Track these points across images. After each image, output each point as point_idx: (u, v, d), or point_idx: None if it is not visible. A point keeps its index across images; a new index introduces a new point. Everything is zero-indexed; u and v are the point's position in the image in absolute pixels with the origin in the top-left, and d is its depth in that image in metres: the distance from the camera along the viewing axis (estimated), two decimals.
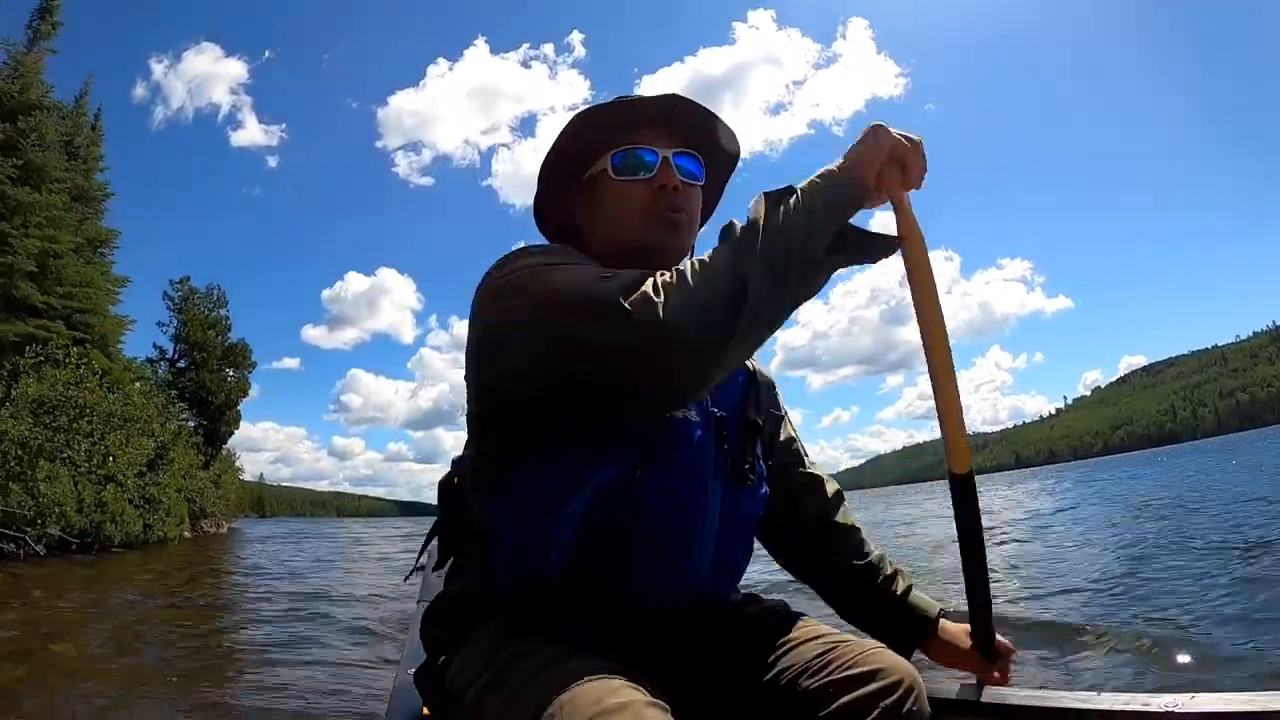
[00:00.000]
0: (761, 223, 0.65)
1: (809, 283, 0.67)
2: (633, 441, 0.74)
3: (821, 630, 0.86)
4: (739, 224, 0.67)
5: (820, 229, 0.66)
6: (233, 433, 29.62)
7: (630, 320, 0.63)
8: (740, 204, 0.70)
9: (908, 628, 0.97)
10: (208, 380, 27.20)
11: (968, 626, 0.92)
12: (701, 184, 0.88)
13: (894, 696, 0.75)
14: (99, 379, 14.38)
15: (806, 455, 1.05)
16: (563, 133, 0.87)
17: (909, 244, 0.76)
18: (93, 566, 10.21)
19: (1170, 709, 0.79)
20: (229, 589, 8.07)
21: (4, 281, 14.32)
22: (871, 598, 0.99)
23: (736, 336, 0.63)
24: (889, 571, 1.00)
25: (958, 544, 0.85)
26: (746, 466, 0.85)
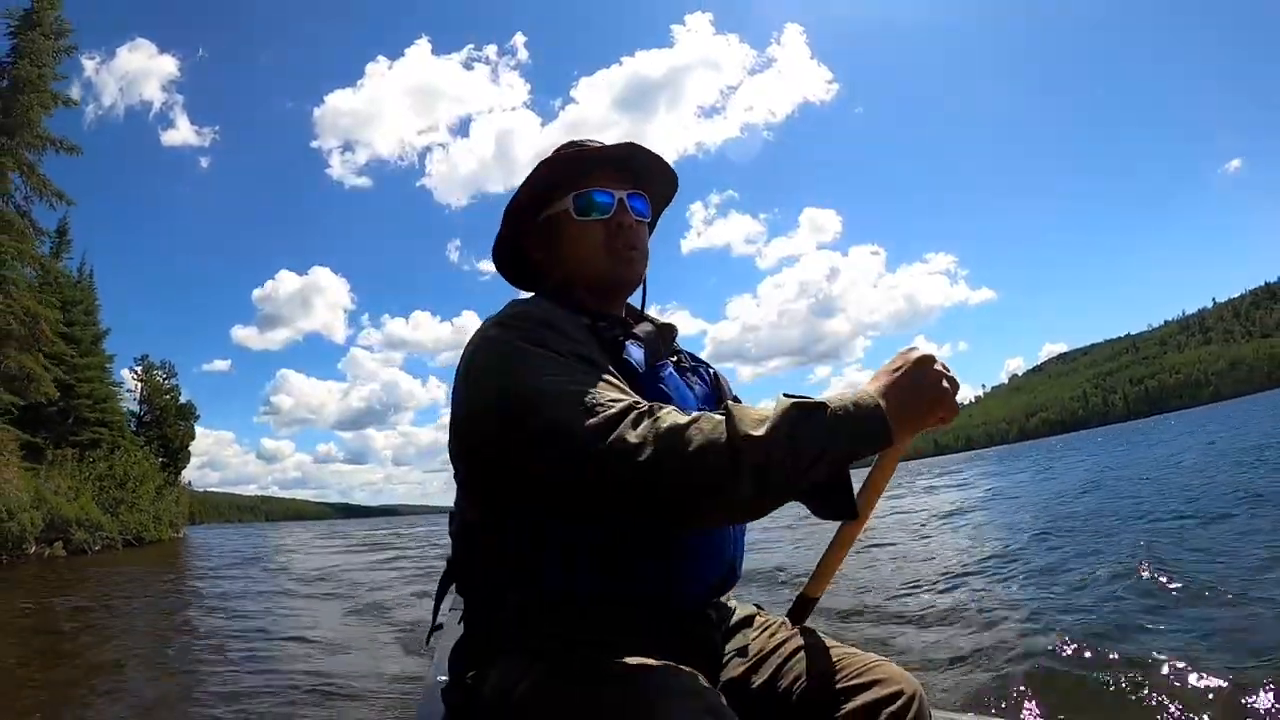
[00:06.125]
0: (778, 431, 0.64)
1: (785, 498, 0.66)
2: None
3: (827, 642, 0.90)
4: (748, 416, 0.65)
5: (830, 463, 0.65)
6: (185, 466, 42.43)
7: (602, 472, 0.65)
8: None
9: None
10: (168, 432, 39.90)
11: None
12: (649, 220, 0.97)
13: (897, 705, 0.79)
14: (131, 456, 27.99)
15: None
16: (531, 176, 0.93)
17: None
18: (145, 549, 23.85)
19: None
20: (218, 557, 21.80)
21: (77, 412, 27.50)
22: None
23: (699, 514, 0.67)
24: None
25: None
26: None
